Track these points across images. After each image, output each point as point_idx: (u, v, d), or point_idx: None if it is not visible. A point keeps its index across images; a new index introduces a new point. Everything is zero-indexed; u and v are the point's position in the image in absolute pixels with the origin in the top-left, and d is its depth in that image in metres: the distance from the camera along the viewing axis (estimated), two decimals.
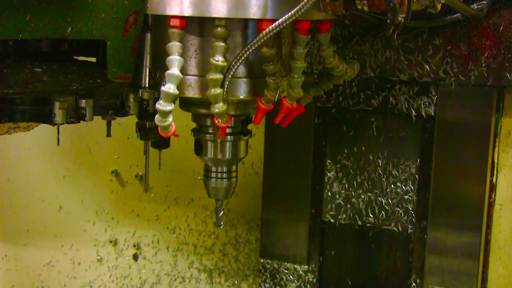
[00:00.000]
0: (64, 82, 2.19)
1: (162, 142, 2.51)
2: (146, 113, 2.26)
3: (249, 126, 2.14)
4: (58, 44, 2.29)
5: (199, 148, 2.11)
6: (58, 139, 2.68)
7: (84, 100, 2.10)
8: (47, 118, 2.10)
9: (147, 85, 2.25)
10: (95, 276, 3.25)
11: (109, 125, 2.45)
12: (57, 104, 2.06)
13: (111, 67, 2.19)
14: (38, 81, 2.15)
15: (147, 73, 2.24)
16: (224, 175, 2.16)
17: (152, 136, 2.38)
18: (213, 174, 2.16)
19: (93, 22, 2.17)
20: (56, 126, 2.39)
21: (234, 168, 2.17)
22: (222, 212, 2.22)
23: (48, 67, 2.21)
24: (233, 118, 2.02)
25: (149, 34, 2.23)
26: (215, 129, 2.02)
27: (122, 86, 2.22)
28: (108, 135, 2.45)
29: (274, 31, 1.79)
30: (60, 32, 2.09)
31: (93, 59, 2.35)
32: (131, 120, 2.39)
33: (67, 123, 2.11)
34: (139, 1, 2.13)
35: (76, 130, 3.12)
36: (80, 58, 2.34)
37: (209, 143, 2.09)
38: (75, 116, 2.12)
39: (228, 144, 2.10)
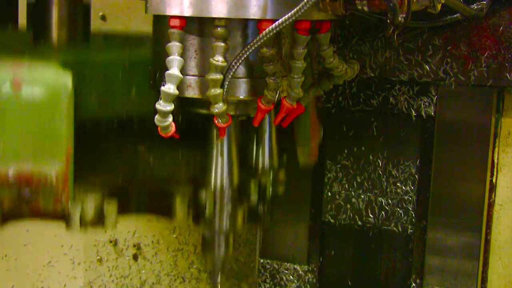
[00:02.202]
0: (173, 164, 2.12)
1: None
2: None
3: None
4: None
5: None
6: None
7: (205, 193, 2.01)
8: (165, 212, 1.97)
9: (259, 165, 2.24)
10: (95, 276, 3.25)
11: None
12: (178, 199, 1.97)
13: None
14: (146, 165, 2.08)
15: (257, 152, 2.25)
16: (222, 244, 2.15)
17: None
18: (211, 244, 2.16)
19: None
20: None
21: (231, 237, 2.16)
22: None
23: (151, 144, 2.14)
24: (232, 118, 2.01)
25: None
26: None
27: None
28: None
29: (274, 31, 1.79)
30: None
31: None
32: None
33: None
34: None
35: None
36: None
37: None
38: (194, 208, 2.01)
39: (225, 215, 2.09)
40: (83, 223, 1.88)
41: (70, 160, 1.72)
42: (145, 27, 2.75)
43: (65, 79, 1.71)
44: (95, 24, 3.23)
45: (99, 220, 1.89)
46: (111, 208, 1.88)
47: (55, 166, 1.70)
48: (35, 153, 1.70)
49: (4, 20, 2.17)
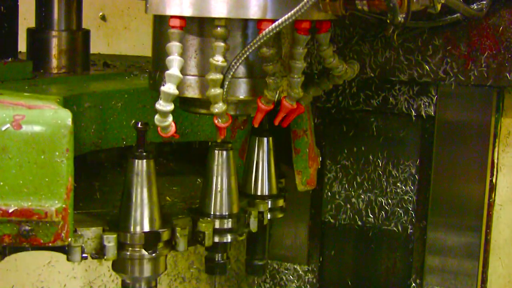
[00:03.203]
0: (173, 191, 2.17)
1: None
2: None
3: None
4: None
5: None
6: None
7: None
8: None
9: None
10: (95, 276, 3.25)
11: None
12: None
13: None
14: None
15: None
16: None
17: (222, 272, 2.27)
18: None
19: (199, 123, 2.16)
20: None
21: (154, 283, 2.09)
22: None
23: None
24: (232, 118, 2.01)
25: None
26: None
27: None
28: None
29: (274, 31, 1.79)
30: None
31: None
32: None
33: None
34: None
35: None
36: None
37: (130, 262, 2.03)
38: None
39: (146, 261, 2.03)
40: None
41: (70, 196, 1.74)
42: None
43: (65, 118, 1.74)
44: (95, 24, 3.23)
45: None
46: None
47: (55, 203, 1.73)
48: (35, 190, 1.74)
49: (4, 50, 2.20)
